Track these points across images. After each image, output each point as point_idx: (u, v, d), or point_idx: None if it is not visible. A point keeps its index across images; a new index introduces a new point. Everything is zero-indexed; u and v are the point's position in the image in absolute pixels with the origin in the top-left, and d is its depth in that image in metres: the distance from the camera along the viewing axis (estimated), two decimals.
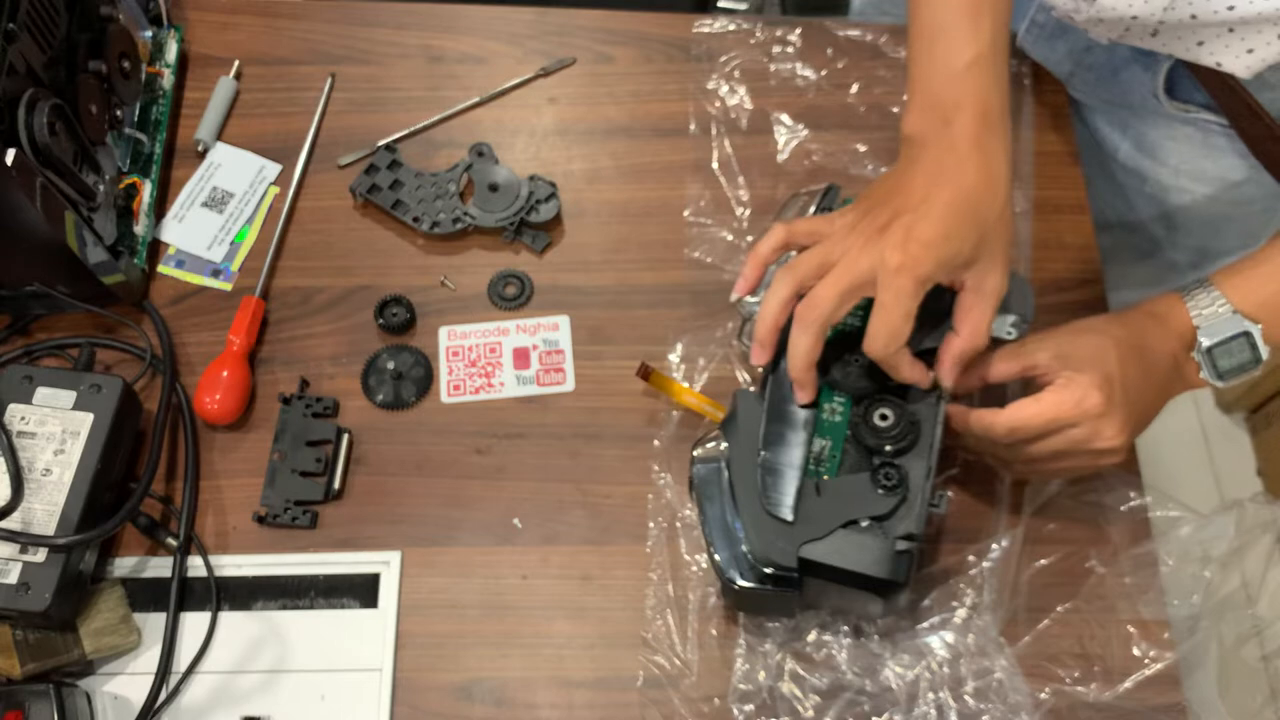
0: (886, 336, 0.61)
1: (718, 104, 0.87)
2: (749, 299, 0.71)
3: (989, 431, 0.65)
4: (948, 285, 0.63)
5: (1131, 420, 0.64)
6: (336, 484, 0.74)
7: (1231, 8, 0.64)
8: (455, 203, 0.82)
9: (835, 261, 0.61)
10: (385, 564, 0.72)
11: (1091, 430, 0.63)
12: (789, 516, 0.62)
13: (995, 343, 0.69)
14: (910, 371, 0.63)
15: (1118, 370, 0.63)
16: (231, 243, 0.82)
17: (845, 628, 0.69)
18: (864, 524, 0.62)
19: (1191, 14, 0.66)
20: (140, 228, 0.80)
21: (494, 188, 0.82)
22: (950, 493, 0.72)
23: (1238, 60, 0.68)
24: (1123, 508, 0.72)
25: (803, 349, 0.62)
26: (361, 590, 0.72)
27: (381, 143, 0.85)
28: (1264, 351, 0.65)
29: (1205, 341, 0.65)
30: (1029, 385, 0.66)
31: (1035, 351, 0.65)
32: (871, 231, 0.61)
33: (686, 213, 0.83)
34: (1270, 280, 0.65)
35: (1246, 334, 0.65)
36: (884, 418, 0.64)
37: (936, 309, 0.67)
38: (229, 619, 0.71)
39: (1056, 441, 0.64)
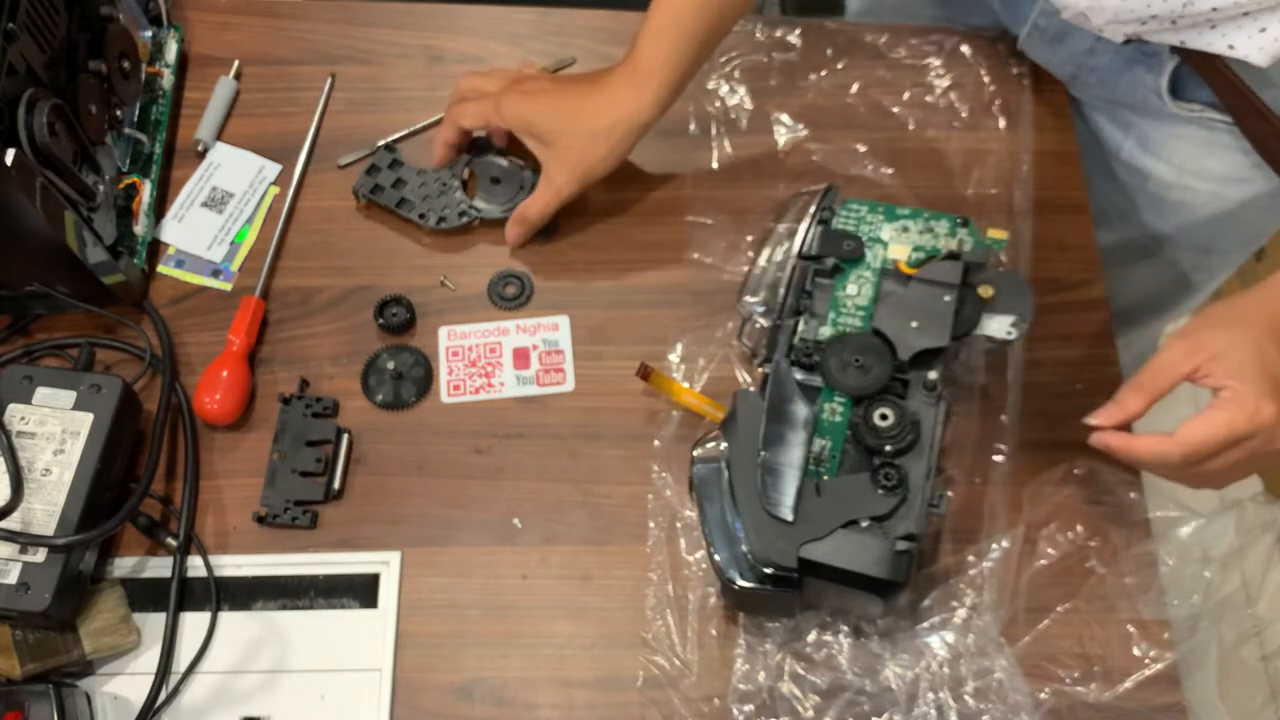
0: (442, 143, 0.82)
1: (718, 104, 0.87)
2: (749, 299, 0.72)
3: (1163, 461, 0.63)
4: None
5: None
6: (336, 484, 0.74)
7: None
8: (459, 197, 0.82)
9: None
10: (385, 564, 0.72)
11: (1269, 437, 0.61)
12: (789, 516, 0.62)
13: (992, 342, 0.69)
14: (441, 143, 0.82)
15: (1275, 356, 0.61)
16: (231, 243, 0.82)
17: (845, 628, 0.69)
18: (864, 524, 0.62)
19: (1213, 7, 0.66)
20: (140, 228, 0.80)
21: (496, 179, 0.82)
22: (950, 493, 0.72)
23: (1251, 41, 0.67)
24: (1123, 508, 0.72)
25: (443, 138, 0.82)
26: (361, 590, 0.72)
27: (381, 142, 0.85)
28: None
29: None
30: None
31: (1190, 354, 0.63)
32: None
33: (688, 210, 0.83)
34: None
35: None
36: (884, 418, 0.64)
37: (934, 308, 0.67)
38: (229, 619, 0.71)
39: (1233, 454, 0.62)
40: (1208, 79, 0.72)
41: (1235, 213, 0.84)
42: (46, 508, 0.66)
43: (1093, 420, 0.65)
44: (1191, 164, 0.81)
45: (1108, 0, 0.71)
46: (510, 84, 0.79)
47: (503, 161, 0.83)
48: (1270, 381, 0.61)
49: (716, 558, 0.64)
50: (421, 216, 0.81)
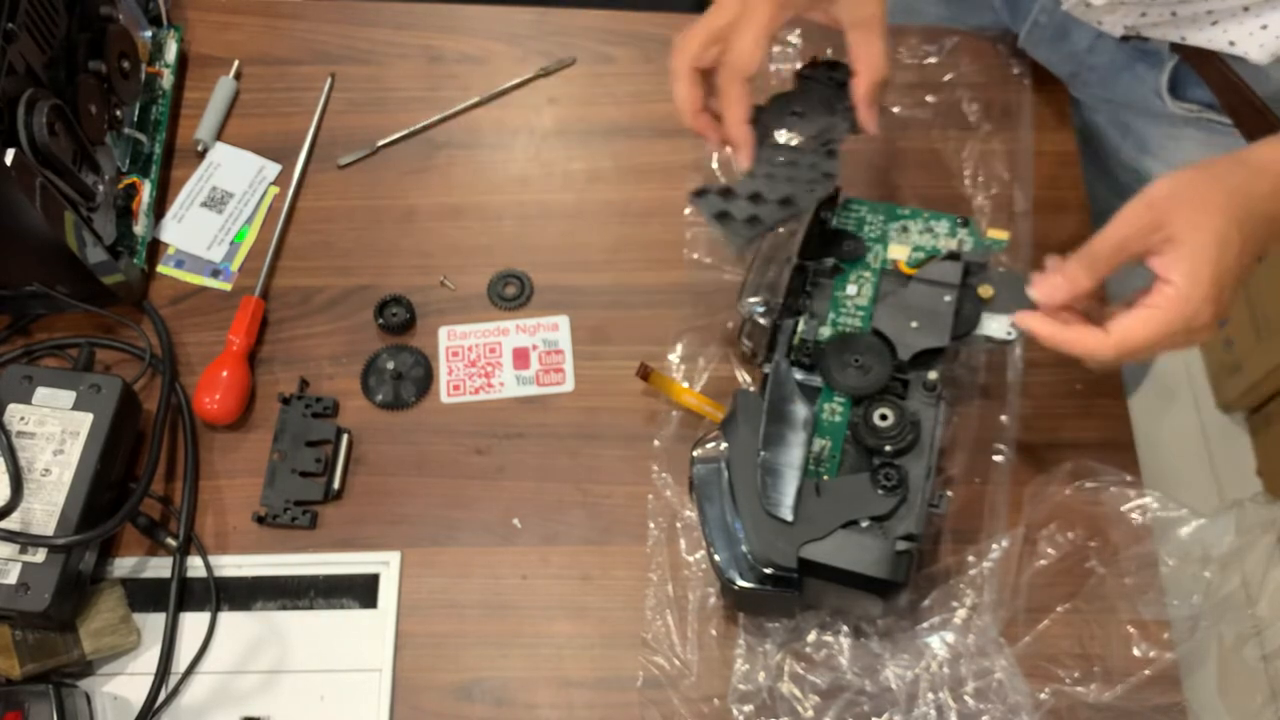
0: (734, 57, 0.63)
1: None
2: (749, 299, 0.71)
3: (1094, 357, 0.60)
4: (825, 23, 0.66)
5: (1228, 298, 0.59)
6: (336, 484, 0.74)
7: None
8: (808, 167, 0.67)
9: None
10: (385, 564, 0.72)
11: (1195, 337, 0.59)
12: (789, 517, 0.62)
13: (993, 342, 0.69)
14: (740, 118, 0.64)
15: (1235, 264, 0.58)
16: (231, 243, 0.82)
17: (845, 628, 0.69)
18: (864, 524, 0.62)
19: None
20: (140, 228, 0.80)
21: (795, 113, 0.70)
22: (950, 493, 0.72)
23: (1251, 38, 0.67)
24: (1123, 508, 0.72)
25: (677, 92, 0.65)
26: (361, 590, 0.72)
27: (381, 142, 0.85)
28: None
29: None
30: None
31: (1147, 233, 0.58)
32: None
33: (687, 211, 0.83)
34: None
35: None
36: (884, 418, 0.64)
37: (934, 308, 0.67)
38: (229, 619, 0.71)
39: (1163, 345, 0.60)
40: (1206, 76, 0.72)
41: None
42: (46, 508, 0.66)
43: (1034, 292, 0.61)
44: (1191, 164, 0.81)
45: None
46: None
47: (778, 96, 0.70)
48: (1218, 284, 0.58)
49: (716, 558, 0.64)
50: (785, 202, 0.66)
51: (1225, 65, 0.71)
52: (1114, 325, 0.59)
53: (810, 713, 0.67)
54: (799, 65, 0.71)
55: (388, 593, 0.72)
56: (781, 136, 0.68)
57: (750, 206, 0.64)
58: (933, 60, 0.88)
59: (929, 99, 0.87)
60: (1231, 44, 0.68)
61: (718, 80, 0.65)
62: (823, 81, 0.69)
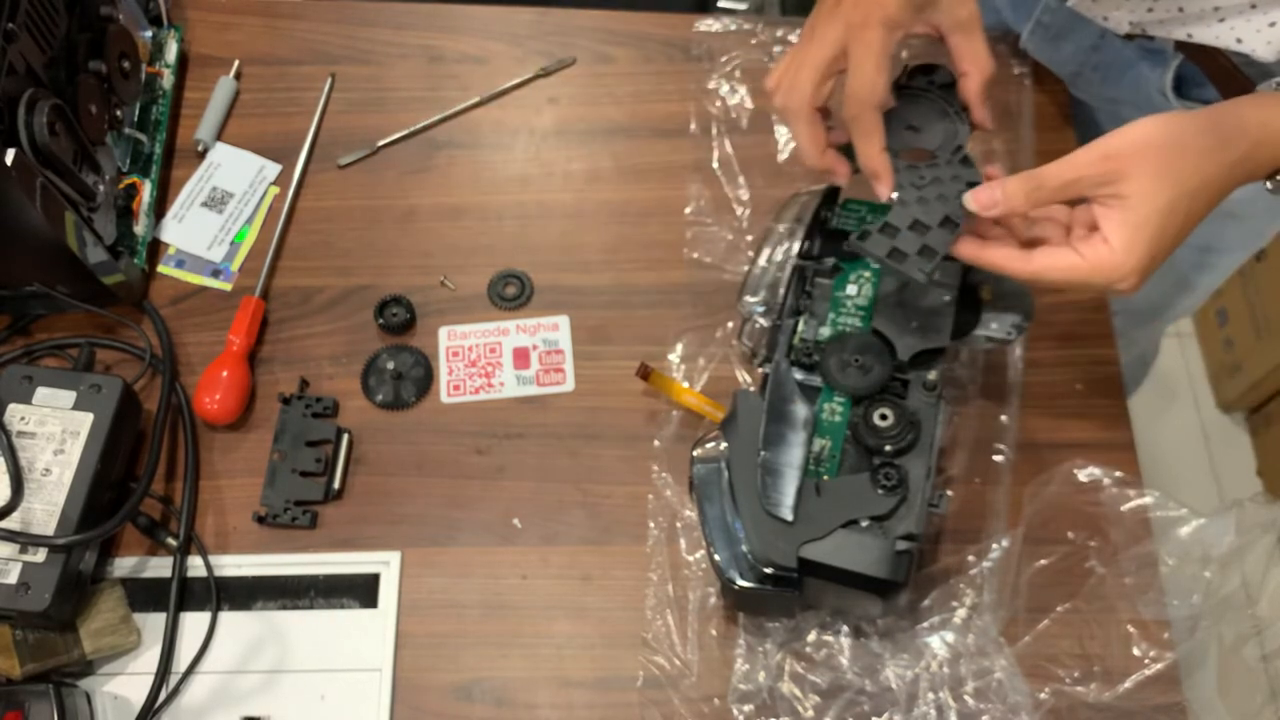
0: (859, 87, 0.62)
1: (718, 104, 0.87)
2: (749, 299, 0.72)
3: (1007, 273, 0.61)
4: (925, 32, 0.65)
5: (1156, 268, 0.60)
6: (336, 484, 0.74)
7: None
8: (950, 180, 0.64)
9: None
10: (385, 564, 0.72)
11: (1111, 293, 0.60)
12: (789, 516, 0.62)
13: (992, 342, 0.69)
14: (876, 149, 0.63)
15: (1175, 235, 0.58)
16: (231, 243, 0.82)
17: (845, 628, 0.69)
18: (864, 524, 0.62)
19: None
20: (140, 228, 0.80)
21: (911, 127, 0.67)
22: (950, 493, 0.72)
23: (1259, 35, 0.67)
24: (1123, 508, 0.72)
25: (801, 133, 0.65)
26: (361, 590, 0.72)
27: (381, 142, 0.85)
28: None
29: None
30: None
31: (1102, 183, 0.58)
32: (831, 7, 0.63)
33: (687, 210, 0.83)
34: None
35: None
36: (884, 418, 0.64)
37: (934, 308, 0.67)
38: (229, 619, 0.71)
39: (1073, 290, 0.61)
40: (1210, 74, 0.72)
41: (1235, 214, 0.84)
42: (46, 508, 0.66)
43: (970, 200, 0.61)
44: None
45: None
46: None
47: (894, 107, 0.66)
48: (1151, 256, 0.58)
49: (716, 558, 0.64)
50: (946, 222, 0.63)
51: (1230, 64, 0.71)
52: (1038, 255, 0.60)
53: (810, 713, 0.67)
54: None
55: (388, 593, 0.72)
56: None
57: (917, 238, 0.63)
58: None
59: None
60: (1239, 41, 0.68)
61: (846, 114, 0.64)
62: (926, 89, 0.68)
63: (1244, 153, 0.58)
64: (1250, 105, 0.60)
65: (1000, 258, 0.61)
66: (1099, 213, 0.58)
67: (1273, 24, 0.67)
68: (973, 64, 0.65)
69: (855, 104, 0.63)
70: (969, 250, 0.62)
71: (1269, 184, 0.61)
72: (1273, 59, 0.68)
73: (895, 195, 0.64)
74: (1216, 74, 0.72)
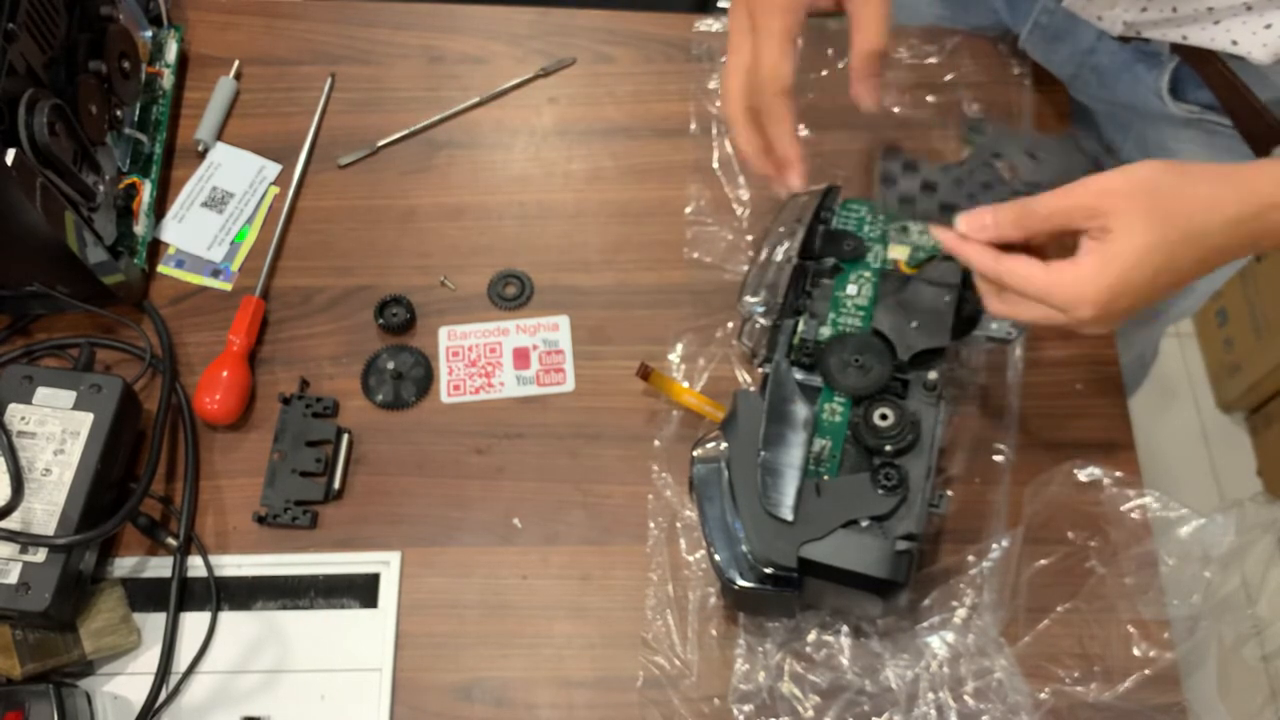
0: (765, 74, 0.62)
1: (718, 104, 0.87)
2: (749, 299, 0.72)
3: (973, 266, 0.61)
4: (829, 7, 0.64)
5: (1122, 317, 0.59)
6: (336, 484, 0.74)
7: None
8: (1003, 188, 0.65)
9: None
10: (385, 564, 0.72)
11: (1067, 321, 0.59)
12: (789, 516, 0.62)
13: (992, 342, 0.69)
14: (787, 134, 0.63)
15: (1144, 282, 0.57)
16: (231, 243, 0.82)
17: (845, 628, 0.69)
18: (864, 524, 0.62)
19: None
20: (140, 228, 0.80)
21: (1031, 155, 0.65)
22: (950, 493, 0.72)
23: (1255, 38, 0.67)
24: (1123, 508, 0.72)
25: (737, 139, 0.64)
26: (361, 590, 0.72)
27: (381, 142, 0.85)
28: None
29: None
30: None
31: (1090, 217, 0.57)
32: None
33: (687, 210, 0.83)
34: None
35: None
36: (884, 418, 0.64)
37: (934, 308, 0.67)
38: (229, 619, 0.71)
39: (1039, 312, 0.60)
40: (1206, 78, 0.72)
41: None
42: (46, 508, 0.66)
43: (961, 223, 0.60)
44: None
45: None
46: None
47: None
48: (1116, 291, 0.57)
49: (716, 558, 0.64)
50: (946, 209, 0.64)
51: (1226, 67, 0.71)
52: (1009, 257, 0.59)
53: (810, 713, 0.67)
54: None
55: (388, 593, 0.72)
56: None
57: (929, 198, 0.63)
58: (933, 60, 0.88)
59: (929, 99, 0.87)
60: (1234, 43, 0.68)
61: (756, 102, 0.64)
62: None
63: (1252, 211, 0.57)
64: (1271, 166, 0.58)
65: (974, 251, 0.60)
66: (1082, 243, 0.58)
67: (1268, 26, 0.66)
68: (861, 34, 0.63)
69: (762, 92, 0.63)
70: (949, 239, 0.61)
71: None
72: (1268, 61, 0.68)
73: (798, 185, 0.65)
74: (1212, 78, 0.72)
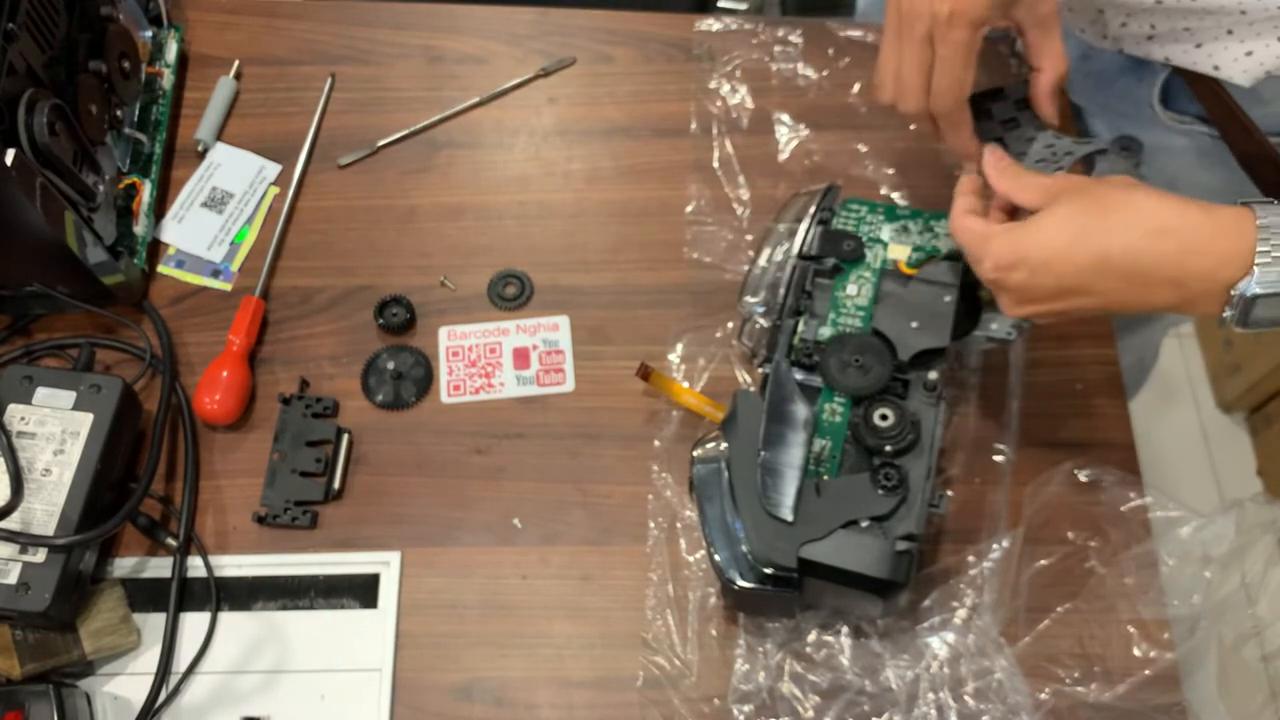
0: (948, 87, 0.64)
1: (719, 103, 0.87)
2: (749, 299, 0.72)
3: (955, 203, 0.65)
4: (1006, 28, 0.67)
5: (1040, 310, 0.60)
6: (336, 484, 0.74)
7: None
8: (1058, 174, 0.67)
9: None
10: (385, 564, 0.72)
11: (974, 263, 0.62)
12: (789, 516, 0.62)
13: (993, 342, 0.69)
14: (966, 137, 0.66)
15: (1051, 267, 0.58)
16: (231, 243, 0.82)
17: (845, 628, 0.69)
18: (864, 524, 0.62)
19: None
20: (140, 228, 0.80)
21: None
22: (950, 493, 0.72)
23: (1236, 64, 0.67)
24: (1123, 508, 0.72)
25: (947, 132, 0.67)
26: (361, 590, 0.72)
27: (381, 142, 0.85)
28: None
29: (1254, 288, 0.54)
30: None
31: (1036, 191, 0.61)
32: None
33: (687, 210, 0.83)
34: None
35: None
36: (884, 418, 0.64)
37: (934, 308, 0.67)
38: (229, 619, 0.71)
39: (1014, 276, 0.61)
40: (1197, 92, 0.72)
41: None
42: (46, 508, 0.66)
43: (987, 155, 0.65)
44: (1184, 175, 0.80)
45: None
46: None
47: (1130, 170, 0.67)
48: (1005, 261, 0.60)
49: (716, 558, 0.64)
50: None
51: (1216, 82, 0.71)
52: (967, 216, 0.64)
53: (810, 713, 0.67)
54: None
55: (388, 593, 0.72)
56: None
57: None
58: None
59: None
60: (1216, 68, 0.68)
61: (935, 109, 0.66)
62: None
63: (1185, 245, 0.56)
64: (1224, 214, 0.56)
65: (962, 187, 0.65)
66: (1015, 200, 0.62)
67: (1249, 53, 0.66)
68: (1049, 60, 0.67)
69: (943, 101, 0.65)
70: (970, 191, 0.65)
71: (1226, 311, 0.56)
72: (1249, 84, 0.68)
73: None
74: (1203, 93, 0.71)
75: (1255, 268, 0.54)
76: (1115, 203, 0.58)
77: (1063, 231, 0.58)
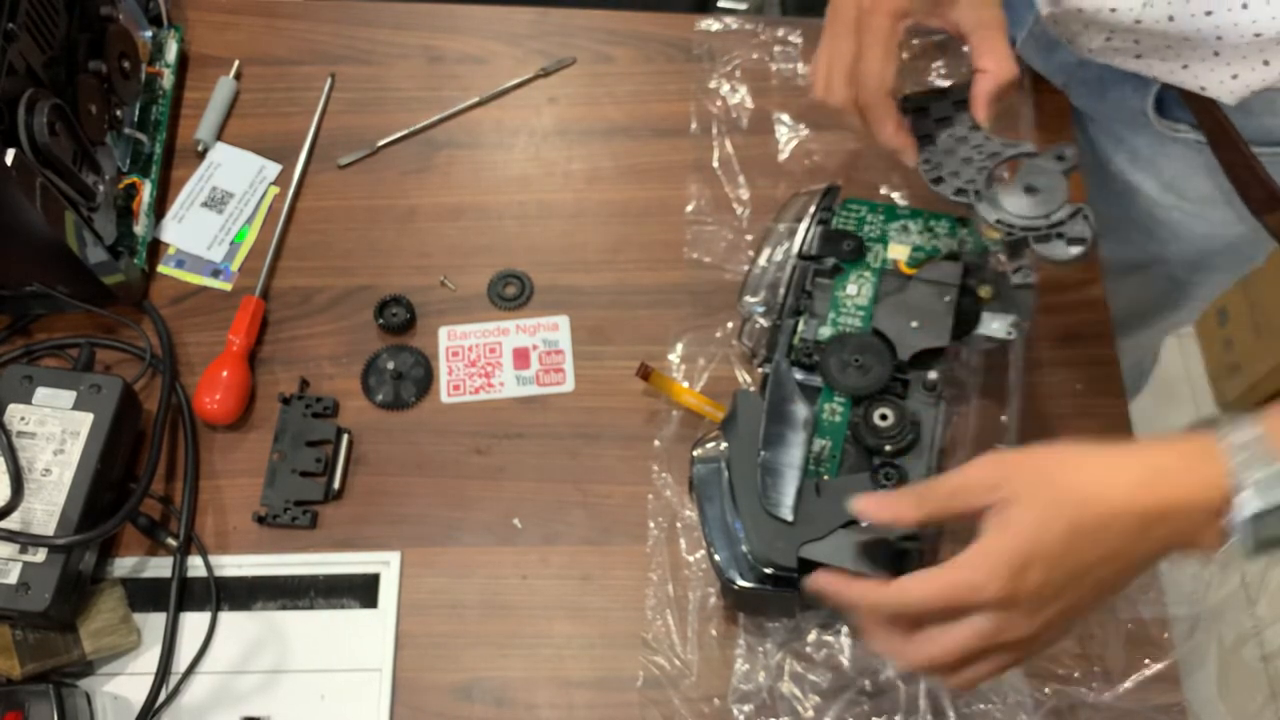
0: (870, 76, 0.64)
1: (719, 103, 0.87)
2: (749, 299, 0.72)
3: (875, 608, 0.55)
4: (942, 28, 0.66)
5: (1058, 611, 0.52)
6: (336, 484, 0.74)
7: (1209, 12, 0.64)
8: (982, 176, 0.66)
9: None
10: (385, 564, 0.72)
11: (996, 628, 0.52)
12: (789, 516, 0.62)
13: (992, 342, 0.69)
14: (891, 130, 0.65)
15: (1058, 549, 0.51)
16: (231, 243, 0.82)
17: (845, 628, 0.69)
18: (864, 524, 0.62)
19: (1169, 15, 0.66)
20: (140, 228, 0.80)
21: (1031, 190, 0.65)
22: None
23: (1222, 85, 0.67)
24: None
25: (873, 122, 0.67)
26: (361, 590, 0.72)
27: (381, 142, 0.85)
28: None
29: (1254, 504, 0.49)
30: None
31: (990, 492, 0.53)
32: None
33: (687, 210, 0.83)
34: None
35: None
36: (884, 418, 0.64)
37: (934, 308, 0.67)
38: (229, 619, 0.71)
39: (960, 634, 0.52)
40: (1188, 102, 0.72)
41: (1221, 235, 0.84)
42: (46, 508, 0.66)
43: (856, 505, 0.57)
44: (1178, 183, 0.80)
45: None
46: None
47: (1057, 177, 0.65)
48: (1024, 560, 0.51)
49: (716, 558, 0.64)
50: (932, 171, 0.68)
51: (1208, 97, 0.71)
52: (899, 579, 0.54)
53: (810, 713, 0.67)
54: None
55: (388, 593, 0.72)
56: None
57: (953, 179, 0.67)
58: (933, 60, 0.88)
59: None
60: (1203, 89, 0.68)
61: (859, 101, 0.66)
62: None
63: (1151, 477, 0.51)
64: (1174, 447, 0.52)
65: (863, 588, 0.56)
66: (983, 520, 0.52)
67: (1235, 76, 0.67)
68: (992, 62, 0.65)
69: (865, 92, 0.65)
70: (829, 584, 0.57)
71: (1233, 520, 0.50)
72: (1234, 104, 0.68)
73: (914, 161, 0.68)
74: (1193, 103, 0.71)
75: (1240, 487, 0.49)
76: (1078, 471, 0.52)
77: (1054, 514, 0.51)
